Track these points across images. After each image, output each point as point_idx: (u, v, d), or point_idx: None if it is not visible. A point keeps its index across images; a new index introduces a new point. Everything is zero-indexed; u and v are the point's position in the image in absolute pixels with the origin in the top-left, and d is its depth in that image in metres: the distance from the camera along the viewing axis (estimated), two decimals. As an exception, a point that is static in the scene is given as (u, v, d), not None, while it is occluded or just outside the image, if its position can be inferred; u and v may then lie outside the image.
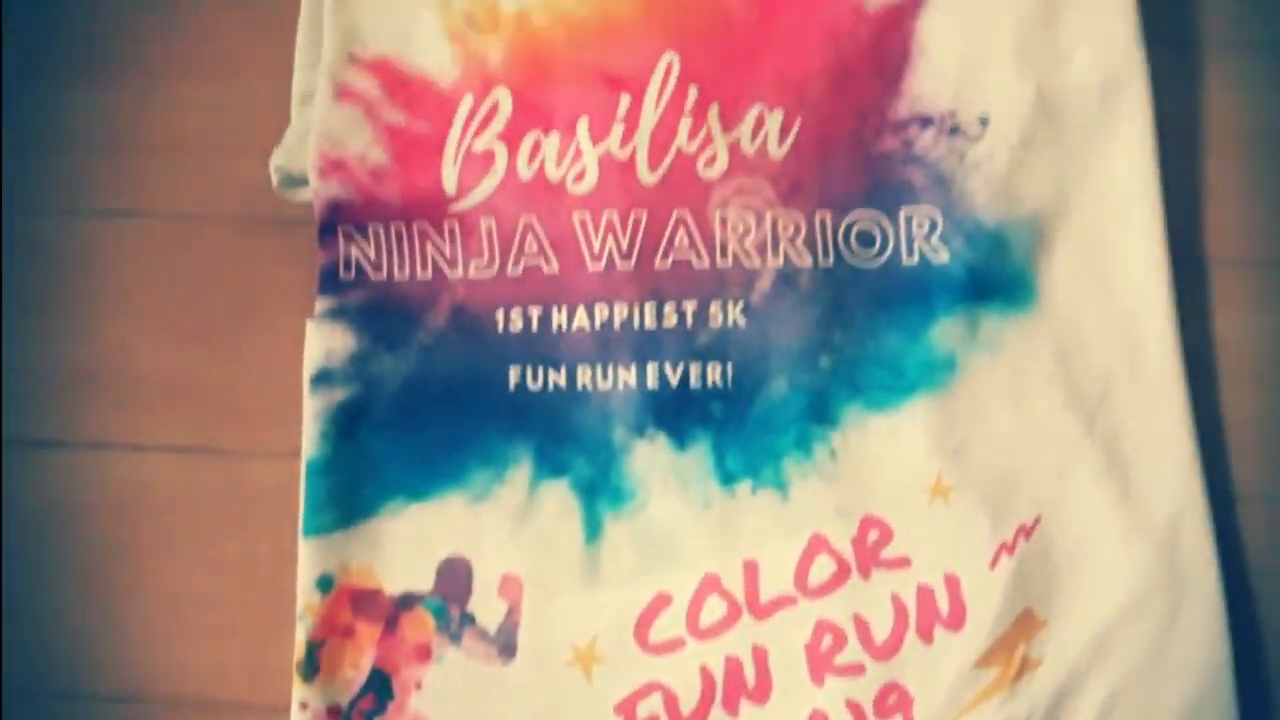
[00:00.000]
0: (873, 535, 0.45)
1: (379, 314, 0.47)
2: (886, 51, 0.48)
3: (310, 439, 0.46)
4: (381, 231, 0.48)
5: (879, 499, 0.46)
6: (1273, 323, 0.49)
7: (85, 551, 0.49)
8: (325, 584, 0.46)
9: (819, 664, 0.45)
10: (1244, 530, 0.47)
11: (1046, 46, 0.48)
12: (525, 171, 0.48)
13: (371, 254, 0.48)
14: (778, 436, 0.46)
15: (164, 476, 0.49)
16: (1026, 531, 0.45)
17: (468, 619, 0.46)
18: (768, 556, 0.45)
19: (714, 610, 0.45)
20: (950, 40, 0.48)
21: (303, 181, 0.48)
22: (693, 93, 0.47)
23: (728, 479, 0.46)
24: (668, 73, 0.47)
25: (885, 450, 0.46)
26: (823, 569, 0.45)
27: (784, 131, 0.47)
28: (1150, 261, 0.47)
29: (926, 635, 0.45)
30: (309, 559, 0.46)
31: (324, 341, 0.47)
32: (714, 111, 0.47)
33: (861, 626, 0.45)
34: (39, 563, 0.49)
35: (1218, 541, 0.45)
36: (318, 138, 0.48)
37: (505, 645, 0.46)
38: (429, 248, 0.48)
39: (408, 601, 0.46)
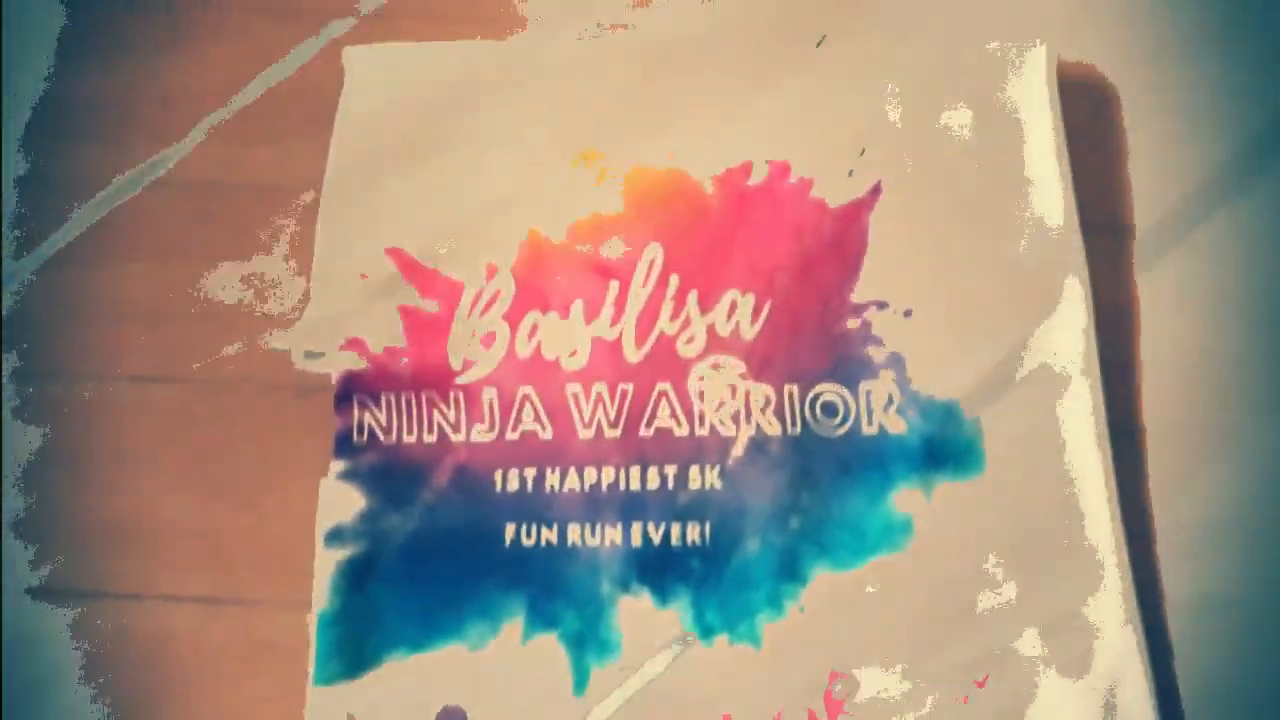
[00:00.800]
0: (839, 687, 0.49)
1: (388, 475, 0.52)
2: (846, 242, 0.54)
3: (322, 592, 0.50)
4: (393, 400, 0.53)
5: (845, 652, 0.49)
6: (1206, 482, 0.54)
7: (115, 696, 0.52)
8: (332, 730, 0.49)
9: (791, 810, 0.48)
10: (1183, 699, 0.50)
11: (990, 237, 0.54)
12: (524, 349, 0.53)
13: (383, 420, 0.53)
14: (752, 593, 0.50)
15: (188, 624, 0.52)
16: (978, 684, 0.49)
17: (463, 765, 0.49)
18: (743, 708, 0.49)
19: (693, 758, 0.49)
20: (900, 233, 0.54)
21: (322, 354, 0.54)
22: (674, 281, 0.53)
23: (706, 632, 0.50)
24: (652, 264, 0.53)
25: (850, 607, 0.50)
26: None
27: (755, 314, 0.53)
28: (1089, 431, 0.51)
29: (891, 782, 0.48)
30: (318, 706, 0.49)
31: (337, 501, 0.52)
32: (693, 297, 0.53)
33: (830, 774, 0.48)
34: (73, 706, 0.52)
35: (1159, 711, 0.48)
36: (337, 316, 0.53)
37: (498, 790, 0.49)
38: (435, 414, 0.53)
39: (408, 748, 0.49)
